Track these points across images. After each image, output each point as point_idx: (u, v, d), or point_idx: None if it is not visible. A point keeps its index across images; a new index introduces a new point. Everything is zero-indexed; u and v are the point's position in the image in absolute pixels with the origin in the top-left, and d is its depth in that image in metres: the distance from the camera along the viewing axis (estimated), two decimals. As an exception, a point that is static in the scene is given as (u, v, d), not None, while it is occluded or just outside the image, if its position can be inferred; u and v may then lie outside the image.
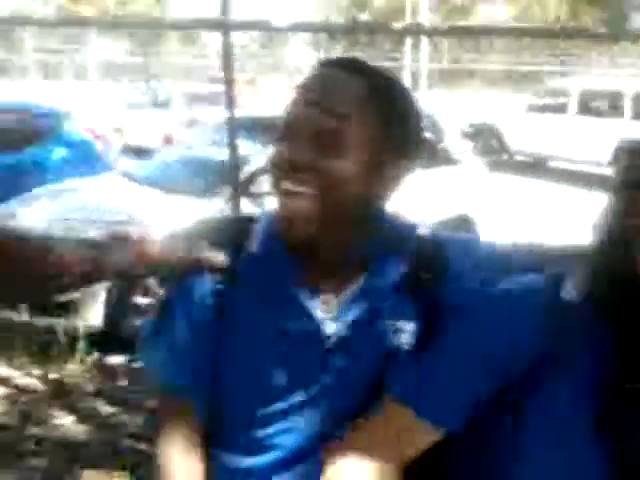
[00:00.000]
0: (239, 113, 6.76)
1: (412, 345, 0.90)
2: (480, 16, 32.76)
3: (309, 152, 0.84)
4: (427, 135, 9.48)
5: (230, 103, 3.06)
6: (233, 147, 3.07)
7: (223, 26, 2.97)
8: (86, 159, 6.06)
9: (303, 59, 31.33)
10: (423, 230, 0.98)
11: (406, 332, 0.90)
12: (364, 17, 32.67)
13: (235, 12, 3.08)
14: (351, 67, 0.88)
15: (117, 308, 3.81)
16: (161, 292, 3.92)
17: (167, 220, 4.09)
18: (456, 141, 11.00)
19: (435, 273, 0.91)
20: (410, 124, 0.90)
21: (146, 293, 3.92)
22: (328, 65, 0.91)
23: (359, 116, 0.85)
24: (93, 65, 27.50)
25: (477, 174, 5.82)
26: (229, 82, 3.05)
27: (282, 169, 0.87)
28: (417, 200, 5.00)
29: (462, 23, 25.00)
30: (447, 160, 5.77)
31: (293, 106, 0.89)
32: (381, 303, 0.91)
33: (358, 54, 27.56)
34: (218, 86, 14.18)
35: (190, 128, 10.02)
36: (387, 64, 27.29)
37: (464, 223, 5.39)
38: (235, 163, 3.16)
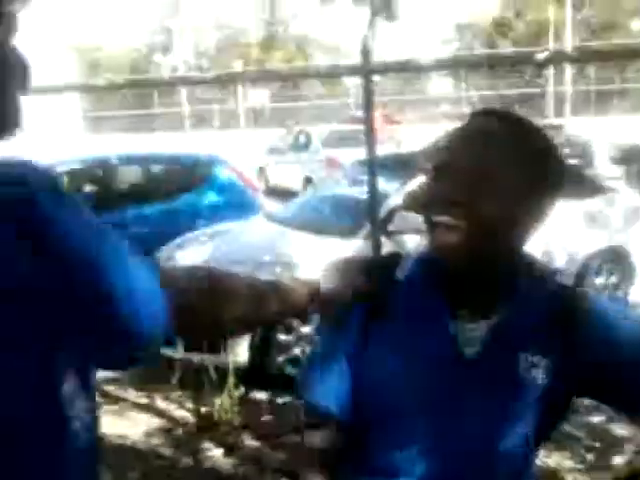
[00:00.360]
0: (379, 151, 6.81)
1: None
2: (633, 31, 30.75)
3: (461, 191, 0.95)
4: (574, 163, 9.06)
5: (370, 144, 3.12)
6: (372, 186, 3.11)
7: (364, 71, 3.05)
8: (236, 203, 6.42)
9: (444, 90, 31.18)
10: (564, 276, 1.06)
11: (540, 368, 0.99)
12: (505, 43, 31.98)
13: (376, 47, 3.15)
14: (498, 116, 1.00)
15: (261, 345, 3.96)
16: (303, 329, 4.04)
17: (312, 260, 4.21)
18: (606, 167, 10.35)
19: (575, 318, 1.00)
20: (552, 165, 0.99)
21: (289, 330, 4.05)
22: (479, 115, 1.04)
23: (506, 160, 0.96)
24: (242, 112, 29.33)
25: (630, 202, 5.41)
26: (368, 124, 3.12)
27: (436, 205, 0.97)
28: (569, 231, 4.77)
29: (610, 41, 23.63)
30: (597, 188, 5.44)
31: (447, 149, 1.00)
32: (521, 336, 1.00)
33: (499, 82, 26.96)
34: (358, 125, 14.54)
35: (330, 168, 10.30)
36: (529, 90, 26.45)
37: (617, 255, 5.02)
38: (374, 202, 3.20)
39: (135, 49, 37.19)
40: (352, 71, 3.64)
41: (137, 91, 24.92)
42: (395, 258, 1.10)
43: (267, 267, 4.10)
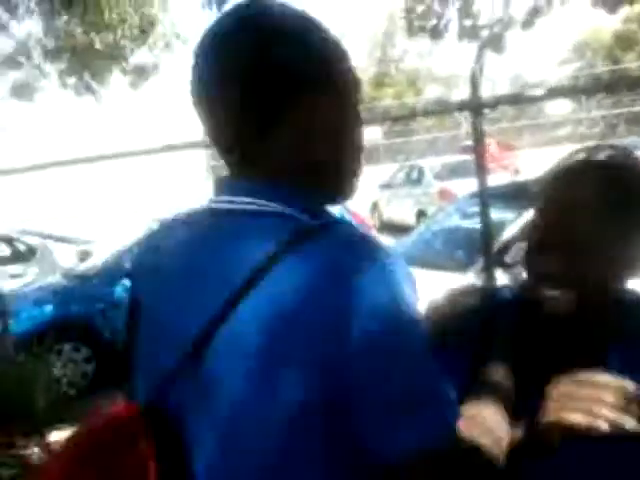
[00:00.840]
0: (492, 181, 6.66)
1: None
2: None
3: (564, 237, 0.92)
4: None
5: (481, 177, 3.05)
6: (485, 218, 3.02)
7: (473, 106, 3.01)
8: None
9: (562, 111, 29.91)
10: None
11: None
12: (631, 57, 30.28)
13: (489, 76, 3.10)
14: (598, 164, 0.95)
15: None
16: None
17: (424, 296, 4.12)
18: None
19: None
20: None
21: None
22: (582, 162, 0.99)
23: (612, 208, 0.92)
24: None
25: None
26: (479, 158, 3.05)
27: (537, 249, 0.96)
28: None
29: None
30: None
31: (550, 197, 0.97)
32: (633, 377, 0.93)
33: (620, 103, 25.46)
34: (471, 155, 14.29)
35: (444, 200, 10.13)
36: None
37: None
38: (487, 234, 3.10)
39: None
40: (461, 106, 3.58)
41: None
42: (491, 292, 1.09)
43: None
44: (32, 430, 3.80)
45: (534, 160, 14.30)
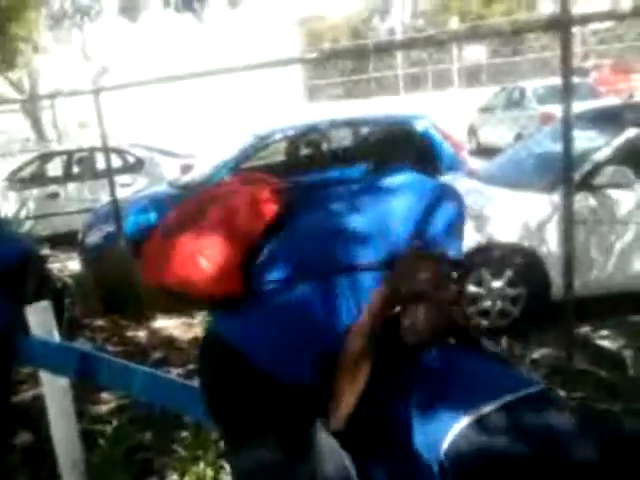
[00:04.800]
0: (595, 104, 6.27)
1: None
2: None
3: None
4: None
5: (567, 96, 3.03)
6: (568, 141, 3.02)
7: (562, 24, 2.96)
8: (439, 161, 6.44)
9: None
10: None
11: None
12: None
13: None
14: None
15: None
16: (494, 283, 4.04)
17: (506, 215, 4.17)
18: None
19: None
20: None
21: (480, 283, 4.09)
22: None
23: None
24: (456, 72, 28.69)
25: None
26: (567, 78, 3.02)
27: None
28: None
29: None
30: None
31: None
32: None
33: None
34: (579, 78, 13.47)
35: (546, 124, 9.76)
36: None
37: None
38: (569, 157, 3.11)
39: (355, 14, 38.01)
40: (549, 25, 3.48)
41: (354, 57, 25.62)
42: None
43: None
44: (140, 317, 4.32)
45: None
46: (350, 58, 24.59)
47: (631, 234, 4.09)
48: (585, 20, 4.52)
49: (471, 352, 1.35)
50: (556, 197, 4.10)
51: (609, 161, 4.20)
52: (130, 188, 7.77)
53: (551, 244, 4.01)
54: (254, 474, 1.25)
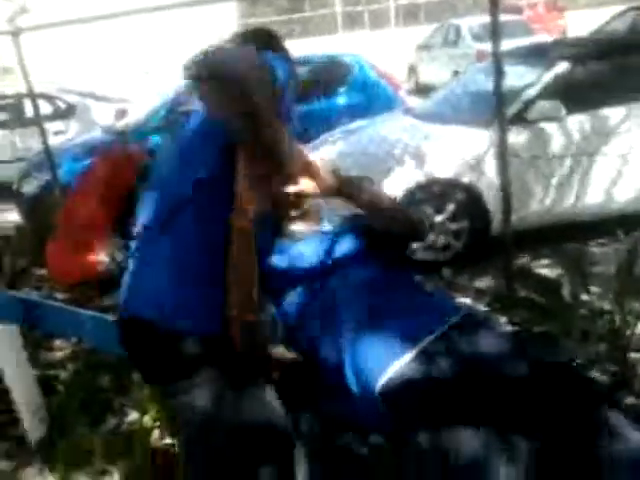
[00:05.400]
0: (527, 41, 6.35)
1: None
2: None
3: None
4: None
5: (495, 32, 3.08)
6: (498, 76, 3.10)
7: None
8: (376, 101, 6.51)
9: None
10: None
11: None
12: None
13: None
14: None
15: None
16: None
17: (441, 150, 4.28)
18: None
19: None
20: None
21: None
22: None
23: None
24: (393, 10, 28.37)
25: None
26: (494, 13, 3.06)
27: None
28: None
29: None
30: None
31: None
32: None
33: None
34: (513, 15, 13.58)
35: (479, 61, 9.87)
36: None
37: None
38: (500, 93, 3.19)
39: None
40: None
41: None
42: None
43: (397, 158, 4.25)
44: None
45: (585, 21, 13.58)
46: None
47: (564, 167, 4.29)
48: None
49: (402, 282, 1.42)
50: (492, 133, 4.23)
51: (541, 96, 4.34)
52: (64, 135, 7.51)
53: (489, 179, 4.16)
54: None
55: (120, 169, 1.35)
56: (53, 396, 2.69)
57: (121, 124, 6.53)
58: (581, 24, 13.33)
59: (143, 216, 1.36)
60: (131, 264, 1.37)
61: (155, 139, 5.70)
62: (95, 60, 18.02)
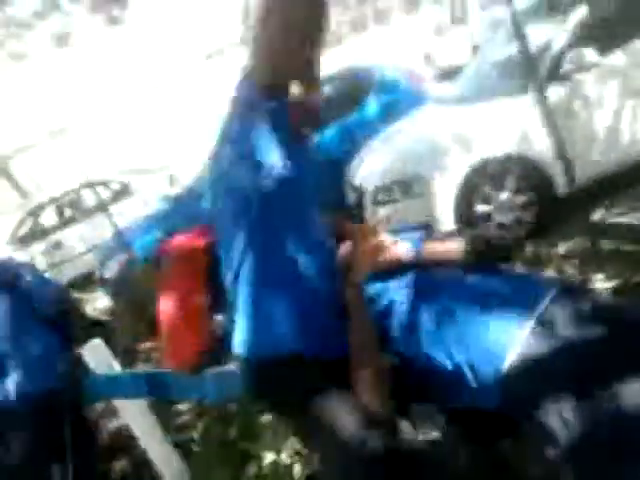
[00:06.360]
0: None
1: None
2: None
3: None
4: None
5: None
6: (522, 39, 3.10)
7: None
8: (406, 99, 6.47)
9: None
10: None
11: None
12: None
13: None
14: None
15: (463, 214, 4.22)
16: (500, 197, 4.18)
17: (489, 129, 4.28)
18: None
19: None
20: None
21: (487, 201, 4.25)
22: None
23: None
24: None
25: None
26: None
27: None
28: None
29: None
30: None
31: None
32: None
33: None
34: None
35: (490, 31, 9.73)
36: None
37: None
38: (528, 55, 3.19)
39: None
40: None
41: None
42: None
43: (444, 150, 4.28)
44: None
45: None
46: None
47: (609, 110, 4.20)
48: None
49: (492, 271, 1.43)
50: (530, 97, 4.21)
51: (568, 47, 4.27)
52: (126, 215, 7.86)
53: (540, 144, 4.14)
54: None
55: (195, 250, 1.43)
56: (191, 457, 2.84)
57: (176, 191, 6.79)
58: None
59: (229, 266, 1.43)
60: (240, 314, 1.43)
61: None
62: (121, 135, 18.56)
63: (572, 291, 1.33)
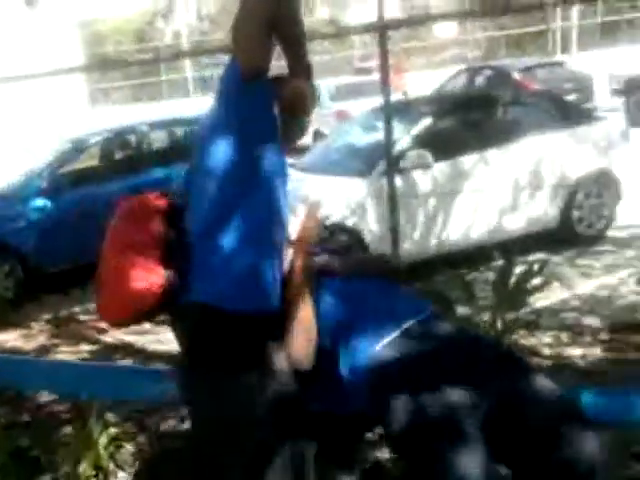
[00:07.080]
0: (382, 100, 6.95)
1: None
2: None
3: None
4: (573, 97, 9.23)
5: (386, 93, 3.46)
6: (389, 129, 3.51)
7: (379, 28, 3.35)
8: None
9: (450, 33, 30.63)
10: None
11: None
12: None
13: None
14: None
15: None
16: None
17: (329, 198, 4.66)
18: (605, 99, 10.51)
19: None
20: None
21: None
22: None
23: None
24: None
25: (619, 130, 5.72)
26: (384, 76, 3.45)
27: None
28: (559, 158, 5.16)
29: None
30: (591, 118, 5.77)
31: None
32: None
33: (506, 21, 26.50)
34: (364, 77, 14.69)
35: (341, 120, 10.56)
36: (534, 28, 26.07)
37: (605, 177, 5.43)
38: (389, 143, 3.61)
39: (138, 16, 36.89)
40: (367, 29, 3.94)
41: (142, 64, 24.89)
42: None
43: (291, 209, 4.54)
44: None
45: (421, 81, 15.00)
46: (139, 64, 23.96)
47: (432, 207, 4.84)
48: (400, 25, 5.26)
49: (373, 284, 1.64)
50: (367, 181, 4.73)
51: (410, 147, 4.91)
52: None
53: (369, 222, 4.62)
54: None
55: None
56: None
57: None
58: (419, 84, 14.69)
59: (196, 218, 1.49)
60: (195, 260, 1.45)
61: (37, 202, 5.65)
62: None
63: (437, 317, 1.60)
